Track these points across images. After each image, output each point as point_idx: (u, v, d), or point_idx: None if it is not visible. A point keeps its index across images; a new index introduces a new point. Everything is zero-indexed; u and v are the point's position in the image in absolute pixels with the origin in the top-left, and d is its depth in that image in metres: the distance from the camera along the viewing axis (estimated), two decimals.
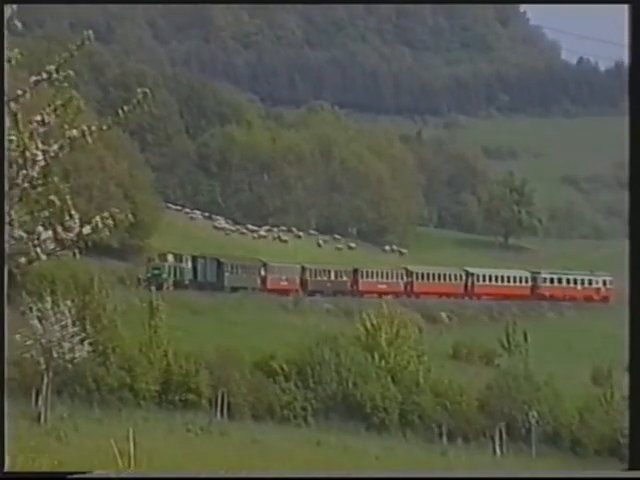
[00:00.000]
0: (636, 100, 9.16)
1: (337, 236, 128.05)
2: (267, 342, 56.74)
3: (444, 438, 53.38)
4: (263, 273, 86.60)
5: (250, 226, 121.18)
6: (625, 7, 9.33)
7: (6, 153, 8.14)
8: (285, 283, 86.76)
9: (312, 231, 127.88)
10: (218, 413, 48.55)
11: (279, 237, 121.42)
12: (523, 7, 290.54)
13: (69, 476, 9.15)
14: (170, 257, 77.71)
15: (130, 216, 8.49)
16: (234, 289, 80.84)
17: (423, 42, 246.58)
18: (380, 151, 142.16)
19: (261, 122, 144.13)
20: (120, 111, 8.53)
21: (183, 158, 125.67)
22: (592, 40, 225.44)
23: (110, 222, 8.43)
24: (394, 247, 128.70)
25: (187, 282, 77.44)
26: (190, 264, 79.74)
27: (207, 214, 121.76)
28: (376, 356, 56.64)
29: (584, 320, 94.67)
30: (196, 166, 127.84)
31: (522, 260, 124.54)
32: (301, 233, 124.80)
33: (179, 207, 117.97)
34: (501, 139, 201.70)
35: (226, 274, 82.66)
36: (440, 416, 54.87)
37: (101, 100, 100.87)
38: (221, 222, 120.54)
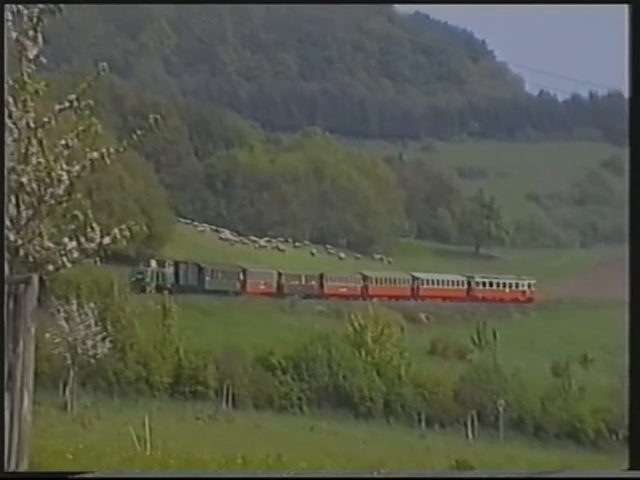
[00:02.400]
0: (636, 100, 9.04)
1: (329, 246, 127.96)
2: (267, 340, 56.57)
3: (423, 424, 53.22)
4: (243, 278, 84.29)
5: (252, 237, 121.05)
6: (625, 7, 9.10)
7: (6, 153, 8.11)
8: (263, 287, 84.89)
9: (306, 242, 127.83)
10: (224, 403, 48.38)
11: (277, 247, 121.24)
12: (491, 46, 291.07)
13: (70, 476, 8.96)
14: (153, 262, 74.36)
15: (145, 228, 8.50)
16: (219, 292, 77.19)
17: (404, 75, 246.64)
18: (366, 171, 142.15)
19: (261, 146, 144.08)
20: (135, 135, 8.54)
21: (193, 177, 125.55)
22: (551, 75, 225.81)
23: (127, 234, 8.43)
24: (382, 257, 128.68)
25: (169, 286, 72.00)
26: (172, 269, 76.20)
27: (214, 227, 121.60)
28: (363, 352, 56.58)
29: (545, 320, 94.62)
30: (204, 184, 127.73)
31: (491, 267, 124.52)
32: (297, 243, 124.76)
33: (189, 221, 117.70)
34: (472, 161, 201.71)
35: (207, 278, 79.25)
36: (419, 405, 54.79)
37: (121, 127, 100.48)
38: (226, 234, 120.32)
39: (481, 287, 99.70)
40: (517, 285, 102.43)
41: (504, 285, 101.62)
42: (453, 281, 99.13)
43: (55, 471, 11.76)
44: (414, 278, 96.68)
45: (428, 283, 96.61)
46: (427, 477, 11.94)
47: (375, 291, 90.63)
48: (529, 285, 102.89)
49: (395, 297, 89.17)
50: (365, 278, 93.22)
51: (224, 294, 77.23)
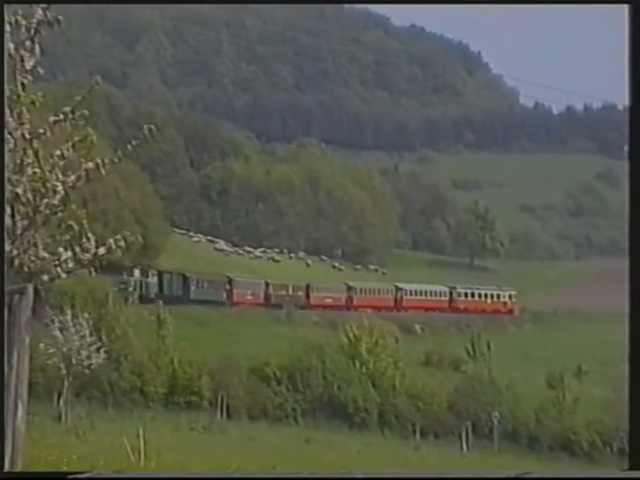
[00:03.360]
0: (636, 100, 9.05)
1: (324, 257, 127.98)
2: (261, 351, 56.50)
3: (417, 435, 53.19)
4: (229, 288, 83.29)
5: (247, 248, 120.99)
6: (625, 7, 9.05)
7: (6, 153, 8.10)
8: (250, 297, 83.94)
9: (302, 252, 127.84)
10: (218, 413, 48.27)
11: (272, 258, 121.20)
12: (486, 58, 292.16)
13: (69, 476, 8.92)
14: (137, 272, 73.01)
15: (140, 238, 8.49)
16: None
17: (399, 87, 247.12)
18: (362, 183, 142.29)
19: (257, 157, 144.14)
20: (129, 145, 8.54)
21: (188, 188, 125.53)
22: (546, 87, 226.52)
23: (122, 244, 8.41)
24: (377, 268, 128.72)
25: (152, 296, 70.70)
26: (156, 279, 74.90)
27: (209, 237, 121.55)
28: (357, 363, 56.50)
29: (540, 332, 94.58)
30: (199, 195, 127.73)
31: (486, 278, 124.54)
32: (292, 254, 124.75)
33: (184, 231, 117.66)
34: (467, 172, 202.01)
35: (192, 288, 77.91)
36: (414, 416, 54.71)
37: (117, 138, 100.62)
38: (221, 244, 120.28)
39: (463, 298, 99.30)
40: (498, 296, 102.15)
41: (485, 296, 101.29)
42: (436, 292, 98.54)
43: (55, 471, 11.73)
44: (397, 289, 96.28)
45: (411, 294, 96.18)
46: (420, 477, 11.89)
47: (359, 302, 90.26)
48: (510, 296, 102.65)
49: (378, 308, 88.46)
50: (349, 288, 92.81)
51: (215, 304, 76.42)
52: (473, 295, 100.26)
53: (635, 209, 9.17)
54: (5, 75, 8.00)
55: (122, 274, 70.33)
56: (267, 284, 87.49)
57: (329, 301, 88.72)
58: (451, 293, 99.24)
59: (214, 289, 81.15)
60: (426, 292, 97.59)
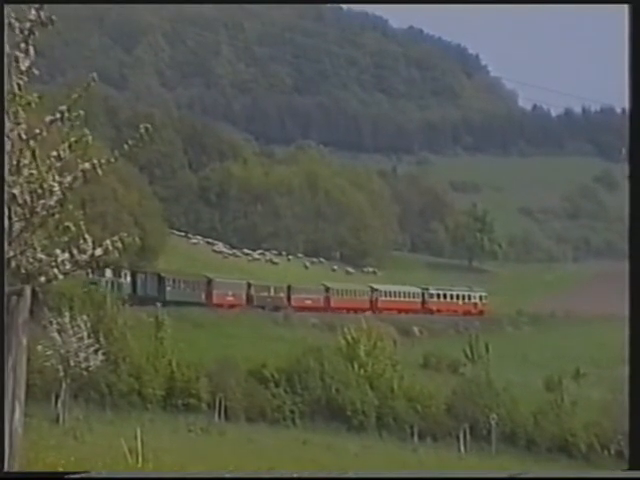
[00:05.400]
0: (636, 100, 9.03)
1: (322, 259, 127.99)
2: (259, 352, 56.47)
3: (415, 438, 53.12)
4: (208, 288, 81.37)
5: (245, 250, 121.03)
6: (625, 7, 9.03)
7: (6, 153, 8.09)
8: (231, 298, 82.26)
9: (300, 254, 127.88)
10: (216, 415, 48.20)
11: (271, 260, 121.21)
12: (484, 61, 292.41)
13: (67, 476, 8.89)
14: (108, 272, 68.47)
15: (137, 240, 8.47)
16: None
17: (398, 90, 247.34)
18: (360, 185, 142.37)
19: (255, 158, 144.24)
20: (125, 145, 8.53)
21: (186, 190, 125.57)
22: (544, 90, 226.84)
23: (119, 245, 8.40)
24: (375, 270, 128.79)
25: (125, 297, 64.04)
26: (129, 279, 70.74)
27: (207, 239, 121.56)
28: (356, 365, 56.42)
29: (538, 334, 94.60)
30: (198, 197, 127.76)
31: (484, 281, 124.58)
32: (290, 256, 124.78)
33: (182, 233, 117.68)
34: (466, 175, 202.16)
35: (167, 288, 75.25)
36: (412, 418, 54.64)
37: (115, 139, 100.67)
38: (219, 246, 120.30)
39: (435, 299, 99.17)
40: (470, 297, 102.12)
41: (457, 297, 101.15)
42: (409, 293, 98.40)
43: (54, 471, 11.71)
44: (373, 290, 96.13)
45: (386, 295, 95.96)
46: (417, 477, 11.86)
47: (336, 303, 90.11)
48: (480, 297, 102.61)
49: (354, 309, 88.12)
50: (327, 290, 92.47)
51: (194, 305, 74.01)
52: (445, 296, 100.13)
53: (635, 212, 9.16)
54: (5, 75, 8.00)
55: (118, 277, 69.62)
56: (249, 285, 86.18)
57: (308, 302, 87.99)
58: (423, 294, 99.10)
59: (192, 289, 79.12)
60: (400, 293, 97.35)
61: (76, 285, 45.64)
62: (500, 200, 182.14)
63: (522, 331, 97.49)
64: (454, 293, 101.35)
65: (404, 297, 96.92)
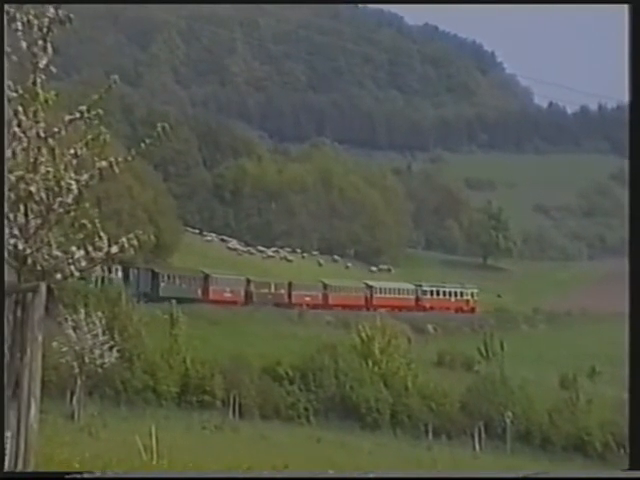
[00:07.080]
0: (636, 100, 9.02)
1: (336, 257, 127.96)
2: (274, 350, 56.51)
3: (430, 435, 53.06)
4: (205, 284, 79.92)
5: (259, 247, 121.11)
6: (625, 7, 9.02)
7: (19, 152, 8.13)
8: (229, 295, 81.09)
9: (314, 252, 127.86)
10: (230, 413, 48.28)
11: (285, 257, 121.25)
12: (500, 58, 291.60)
13: (67, 476, 8.90)
14: (98, 268, 66.40)
15: (152, 237, 8.51)
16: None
17: (412, 87, 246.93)
18: (374, 182, 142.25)
19: (270, 156, 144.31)
20: (142, 144, 8.56)
21: (201, 187, 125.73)
22: (560, 87, 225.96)
23: (135, 242, 8.44)
24: (390, 267, 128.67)
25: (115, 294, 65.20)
26: (120, 274, 67.06)
27: (221, 237, 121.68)
28: (370, 363, 56.42)
29: (553, 332, 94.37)
30: (212, 194, 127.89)
31: (498, 279, 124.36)
32: (305, 254, 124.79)
33: (197, 230, 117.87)
34: (481, 172, 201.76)
35: (162, 284, 73.44)
36: (426, 416, 54.60)
37: (130, 137, 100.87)
38: (234, 244, 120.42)
39: (428, 296, 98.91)
40: (461, 294, 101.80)
41: (450, 294, 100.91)
42: (403, 290, 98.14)
43: (54, 471, 11.72)
44: (368, 287, 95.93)
45: (380, 292, 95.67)
46: (426, 477, 11.85)
47: (334, 300, 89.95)
48: (472, 294, 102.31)
49: (350, 306, 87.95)
50: (325, 287, 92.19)
51: (190, 301, 71.44)
52: (438, 293, 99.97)
53: (635, 209, 9.13)
54: (5, 75, 8.02)
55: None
56: (248, 281, 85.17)
57: (307, 299, 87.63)
58: (417, 291, 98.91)
59: (188, 285, 77.63)
60: (394, 290, 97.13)
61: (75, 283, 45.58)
62: (515, 197, 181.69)
63: (537, 329, 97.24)
64: (447, 290, 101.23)
65: (398, 294, 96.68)
